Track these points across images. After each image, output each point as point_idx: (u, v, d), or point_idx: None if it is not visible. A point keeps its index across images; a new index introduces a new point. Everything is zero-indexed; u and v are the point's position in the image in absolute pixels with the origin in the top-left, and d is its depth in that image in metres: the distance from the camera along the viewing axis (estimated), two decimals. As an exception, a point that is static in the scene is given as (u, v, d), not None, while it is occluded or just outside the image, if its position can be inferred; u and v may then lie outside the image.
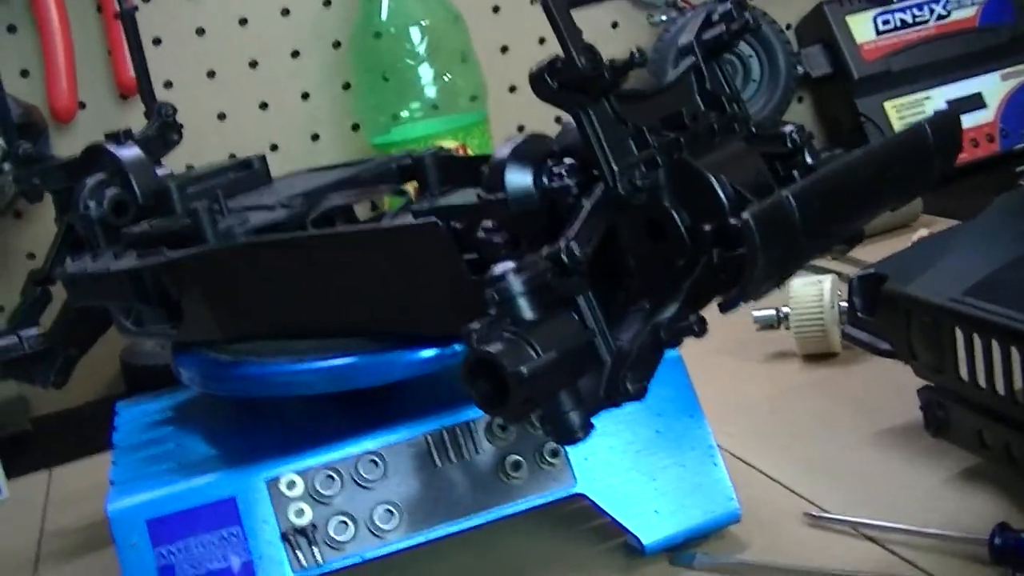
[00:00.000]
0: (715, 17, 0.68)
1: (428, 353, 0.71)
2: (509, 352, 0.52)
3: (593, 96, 0.58)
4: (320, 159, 1.52)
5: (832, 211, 0.58)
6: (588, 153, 0.59)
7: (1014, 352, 0.70)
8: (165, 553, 0.72)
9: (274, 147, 1.53)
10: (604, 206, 0.58)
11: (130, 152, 0.96)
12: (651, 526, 0.77)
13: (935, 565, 0.71)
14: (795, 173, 0.66)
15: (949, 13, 1.72)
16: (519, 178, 0.63)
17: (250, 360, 0.76)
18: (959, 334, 0.75)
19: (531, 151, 0.63)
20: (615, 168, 0.58)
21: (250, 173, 0.98)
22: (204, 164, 1.09)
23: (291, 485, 0.73)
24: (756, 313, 1.11)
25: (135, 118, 1.43)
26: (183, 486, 0.74)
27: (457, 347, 0.70)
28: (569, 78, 0.57)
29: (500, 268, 0.54)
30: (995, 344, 0.72)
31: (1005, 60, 1.72)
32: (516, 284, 0.54)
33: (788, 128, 0.68)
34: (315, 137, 1.57)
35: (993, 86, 1.71)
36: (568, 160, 0.62)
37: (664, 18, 1.60)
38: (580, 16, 1.50)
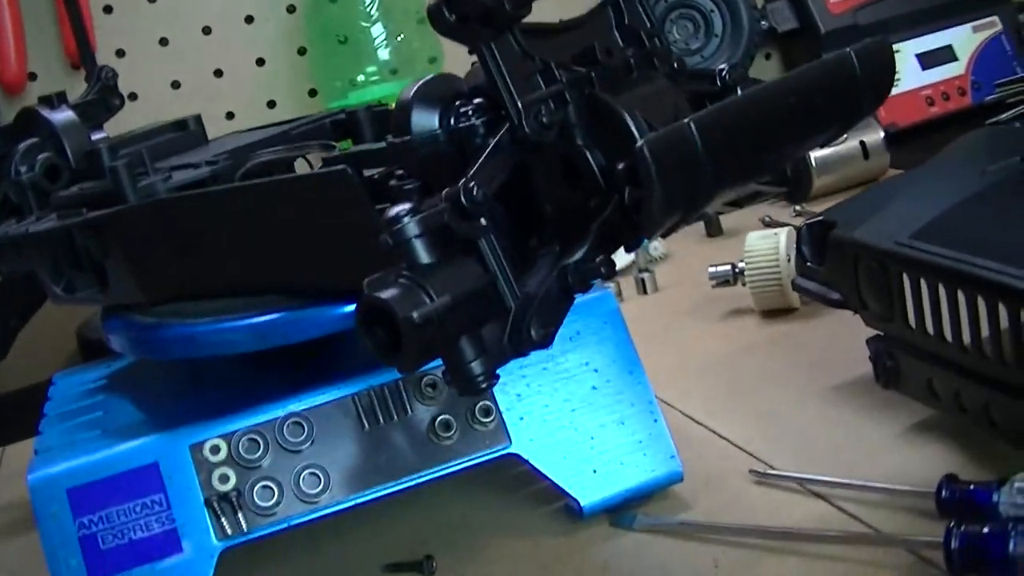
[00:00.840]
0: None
1: (350, 308, 0.68)
2: (401, 297, 0.49)
3: (495, 29, 0.55)
4: (278, 126, 1.51)
5: (742, 141, 0.55)
6: (493, 90, 0.56)
7: (961, 296, 0.67)
8: (87, 523, 0.70)
9: (230, 115, 1.51)
10: (509, 145, 0.55)
11: (63, 116, 0.94)
12: (589, 487, 0.75)
13: (881, 519, 0.69)
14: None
15: (918, -36, 1.70)
16: (425, 119, 0.60)
17: (172, 321, 0.73)
18: (906, 279, 0.72)
19: (438, 91, 0.61)
20: (520, 105, 0.55)
21: (185, 134, 0.96)
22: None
23: (215, 450, 0.71)
24: (711, 269, 1.09)
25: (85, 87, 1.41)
26: (104, 453, 0.72)
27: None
28: (469, 10, 0.54)
29: (395, 210, 0.51)
30: (942, 288, 0.69)
31: (976, 12, 1.72)
32: (411, 227, 0.51)
33: (722, 67, 0.65)
34: (271, 104, 1.55)
35: (964, 39, 1.69)
36: (477, 100, 0.59)
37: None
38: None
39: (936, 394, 0.74)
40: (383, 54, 1.41)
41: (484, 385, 0.52)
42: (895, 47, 1.65)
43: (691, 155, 0.51)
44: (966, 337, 0.68)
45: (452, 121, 0.59)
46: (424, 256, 0.51)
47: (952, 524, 0.61)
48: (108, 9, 1.43)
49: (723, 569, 0.68)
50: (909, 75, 1.67)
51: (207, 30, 1.50)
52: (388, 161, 0.63)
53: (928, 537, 0.63)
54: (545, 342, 0.53)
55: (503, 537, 0.77)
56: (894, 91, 1.57)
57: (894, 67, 0.64)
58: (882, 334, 0.79)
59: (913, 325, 0.73)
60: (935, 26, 1.69)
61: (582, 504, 0.74)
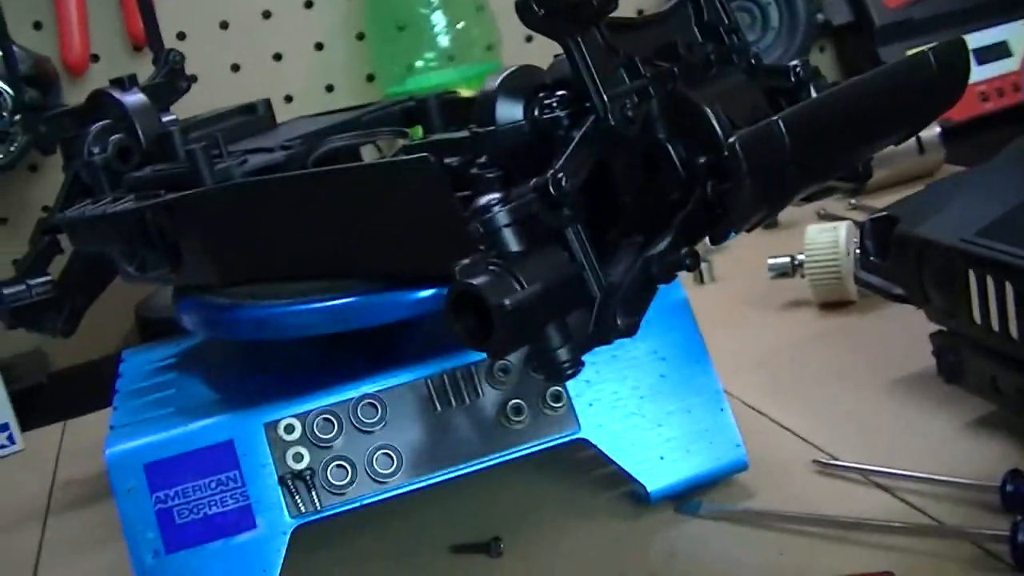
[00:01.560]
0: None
1: (426, 293, 0.69)
2: (493, 285, 0.50)
3: (582, 24, 0.56)
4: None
5: (827, 139, 0.56)
6: (579, 84, 0.57)
7: (1027, 292, 0.68)
8: (163, 497, 0.72)
9: (288, 98, 1.53)
10: (594, 137, 0.56)
11: (134, 98, 0.96)
12: (656, 473, 0.76)
13: (945, 512, 0.70)
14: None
15: (975, -42, 1.70)
16: (509, 110, 0.61)
17: (248, 303, 0.74)
18: (972, 275, 0.73)
19: (522, 83, 0.62)
20: (606, 98, 0.56)
21: (255, 118, 0.97)
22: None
23: (289, 429, 0.73)
24: (771, 261, 1.10)
25: (148, 70, 1.42)
26: (181, 430, 0.73)
27: (454, 287, 0.69)
28: (557, 5, 0.55)
29: (485, 199, 0.53)
30: (1008, 286, 0.70)
31: (1031, 8, 1.70)
32: (501, 216, 0.52)
33: (795, 63, 0.66)
34: (330, 88, 1.56)
35: (1019, 34, 1.69)
36: (560, 92, 0.60)
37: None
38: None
39: (999, 390, 0.75)
40: (442, 41, 1.42)
41: (571, 371, 0.53)
42: (951, 42, 1.66)
43: (779, 152, 0.52)
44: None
45: (536, 112, 0.60)
46: (513, 245, 0.52)
47: (1020, 518, 0.62)
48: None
49: (787, 557, 0.69)
50: (964, 70, 1.66)
51: (267, 14, 1.52)
52: (471, 150, 0.64)
53: (994, 530, 0.64)
54: (630, 331, 0.55)
55: (569, 521, 0.79)
56: (948, 86, 1.58)
57: (969, 67, 0.65)
58: (945, 330, 0.80)
59: (978, 322, 0.73)
60: (990, 21, 1.68)
61: (649, 490, 0.76)
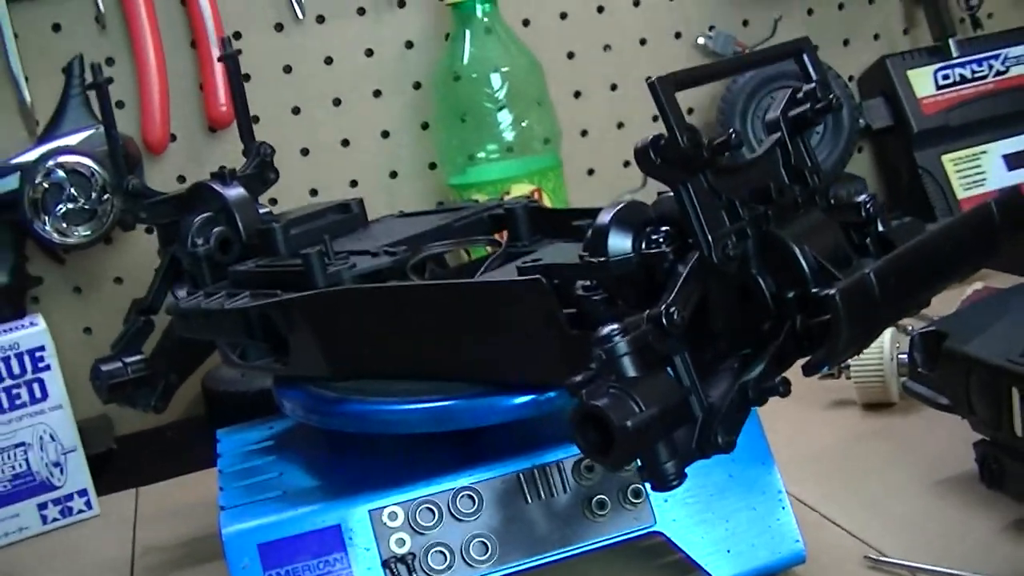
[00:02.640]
0: (800, 95, 0.73)
1: (523, 400, 0.77)
2: (616, 407, 0.57)
3: (691, 171, 0.64)
4: (398, 196, 1.59)
5: (907, 285, 0.63)
6: (684, 223, 0.64)
7: (1068, 412, 0.76)
8: (275, 575, 0.78)
9: (354, 183, 1.59)
10: (699, 273, 0.64)
11: (235, 192, 1.03)
12: (723, 564, 0.83)
13: (989, 609, 0.77)
14: (868, 241, 0.72)
15: (1008, 69, 1.78)
16: (620, 242, 0.68)
17: (355, 398, 0.82)
18: (1015, 393, 0.80)
19: (631, 218, 0.69)
20: (710, 238, 0.63)
21: (349, 217, 1.04)
22: (300, 206, 1.15)
23: (393, 516, 0.79)
24: (819, 362, 1.17)
25: (222, 151, 1.51)
26: (291, 513, 0.80)
27: (551, 395, 0.76)
28: (671, 155, 0.62)
29: (607, 330, 0.60)
30: (1050, 404, 0.77)
31: (1061, 117, 1.78)
32: (622, 345, 0.59)
33: (862, 198, 0.73)
34: (393, 174, 1.63)
35: (1049, 142, 1.76)
36: (664, 228, 0.67)
37: (734, 65, 1.66)
38: (654, 65, 1.57)
39: (1039, 497, 0.82)
40: (507, 136, 1.48)
41: (676, 483, 0.60)
42: (984, 148, 1.73)
43: (871, 300, 0.59)
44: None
45: (643, 246, 0.68)
46: (631, 370, 0.59)
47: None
48: (247, 77, 1.51)
49: (847, 647, 0.76)
50: (995, 175, 1.73)
51: (337, 101, 1.59)
52: (580, 276, 0.71)
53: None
54: (728, 448, 0.62)
55: (643, 606, 0.85)
56: (980, 190, 1.67)
57: (1025, 209, 0.72)
58: (988, 439, 0.87)
59: (1020, 434, 0.81)
60: (1020, 129, 1.75)
61: (717, 581, 0.83)
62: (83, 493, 1.26)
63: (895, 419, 1.12)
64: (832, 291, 0.58)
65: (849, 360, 1.13)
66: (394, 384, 0.82)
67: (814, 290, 0.63)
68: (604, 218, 0.69)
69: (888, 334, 1.12)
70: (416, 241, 0.92)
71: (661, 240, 0.67)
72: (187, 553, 1.12)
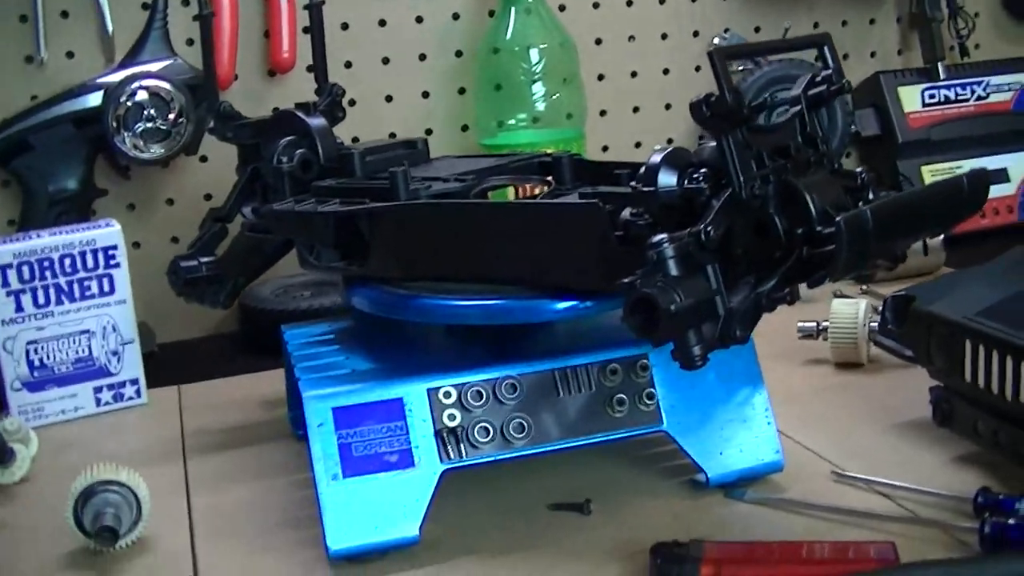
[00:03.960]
0: (819, 78, 0.89)
1: (565, 304, 0.92)
2: (662, 294, 0.73)
3: (733, 125, 0.80)
4: (432, 152, 1.73)
5: (893, 227, 0.80)
6: (721, 166, 0.81)
7: (1009, 361, 0.92)
8: (345, 435, 0.92)
9: (392, 135, 1.73)
10: (729, 206, 0.80)
11: (318, 121, 1.18)
12: (716, 464, 0.99)
13: (931, 514, 0.93)
14: (860, 204, 0.88)
15: (988, 95, 1.95)
16: (668, 178, 0.84)
17: (425, 294, 0.98)
18: (968, 345, 0.97)
19: (677, 159, 0.85)
20: (741, 179, 0.80)
21: (415, 152, 1.19)
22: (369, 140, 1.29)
23: (447, 395, 0.93)
24: (800, 324, 1.33)
25: (281, 94, 1.65)
26: (361, 385, 0.95)
27: (589, 303, 0.92)
28: (719, 110, 0.79)
29: (658, 237, 0.76)
30: (995, 354, 0.94)
31: (1031, 142, 1.94)
32: (669, 249, 0.76)
33: (859, 169, 0.90)
34: (429, 131, 1.77)
35: (1018, 164, 1.93)
36: (703, 169, 0.84)
37: (742, 67, 1.81)
38: (672, 59, 1.72)
39: (979, 432, 0.99)
40: (539, 106, 1.63)
41: (700, 363, 0.76)
42: (960, 163, 1.89)
43: (866, 231, 0.76)
44: (1008, 391, 0.93)
45: (686, 182, 0.84)
46: (674, 270, 0.75)
47: (987, 515, 0.86)
48: (306, 30, 1.65)
49: (810, 533, 0.92)
50: (968, 189, 1.89)
51: (386, 60, 1.72)
52: (633, 203, 0.87)
53: (963, 523, 0.88)
54: (744, 340, 0.78)
55: (646, 495, 1.01)
56: (954, 200, 1.81)
57: (987, 190, 0.89)
58: (942, 385, 1.04)
59: (968, 379, 0.97)
60: (995, 150, 1.91)
61: (709, 476, 0.98)
62: (135, 382, 1.39)
63: (863, 376, 1.28)
64: (839, 218, 0.74)
65: (827, 324, 1.30)
66: (458, 286, 0.97)
67: (818, 228, 0.80)
68: (656, 158, 0.85)
69: (863, 303, 1.29)
70: (479, 175, 1.08)
71: (700, 179, 0.83)
72: (233, 438, 1.24)
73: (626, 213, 0.87)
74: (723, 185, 0.81)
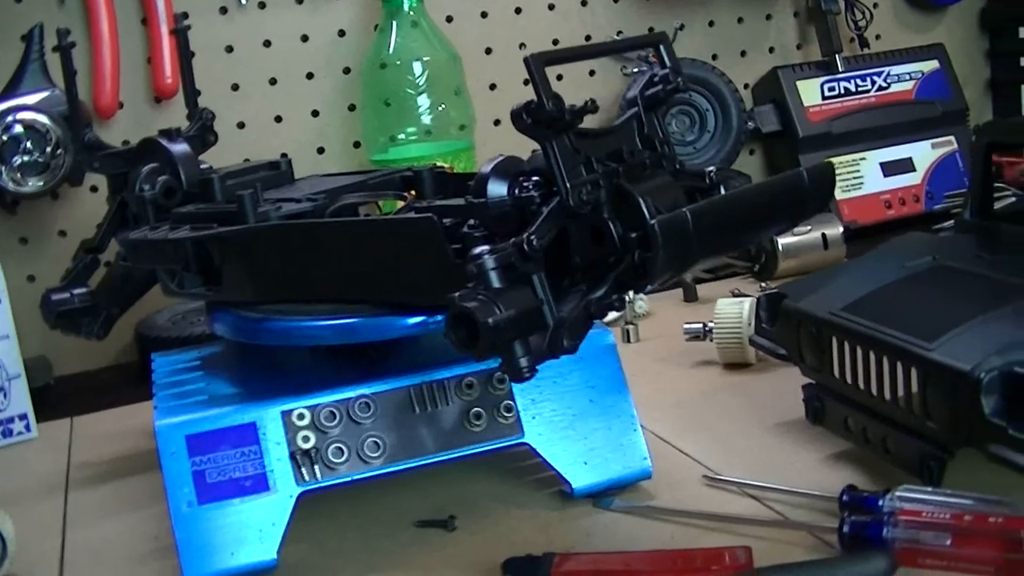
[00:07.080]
0: (656, 79, 0.88)
1: (415, 320, 0.91)
2: (482, 308, 0.71)
3: (556, 131, 0.78)
4: (324, 170, 1.71)
5: (721, 227, 0.78)
6: (549, 173, 0.79)
7: (872, 356, 0.91)
8: (198, 461, 0.91)
9: (283, 155, 1.69)
10: (558, 213, 0.78)
11: (180, 147, 1.17)
12: (580, 474, 0.97)
13: (798, 515, 0.92)
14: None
15: (889, 85, 1.95)
16: (498, 188, 0.83)
17: (275, 316, 0.96)
18: (834, 341, 0.95)
19: (508, 168, 0.84)
20: (568, 186, 0.78)
21: (278, 173, 1.18)
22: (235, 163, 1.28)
23: (301, 416, 0.92)
24: (686, 325, 1.32)
25: (166, 120, 1.62)
26: (216, 411, 0.93)
27: (438, 317, 0.90)
28: (540, 117, 0.77)
29: (479, 249, 0.74)
30: (859, 349, 0.92)
31: (936, 131, 1.95)
32: (489, 261, 0.74)
33: (710, 169, 0.88)
34: (320, 150, 1.76)
35: (923, 153, 1.93)
36: (535, 178, 0.82)
37: (636, 69, 1.80)
38: (569, 74, 1.71)
39: (850, 429, 0.97)
40: (425, 119, 1.61)
41: (528, 375, 0.74)
42: (863, 155, 1.89)
43: (685, 233, 0.74)
44: (874, 387, 0.91)
45: (516, 191, 0.82)
46: (496, 282, 0.74)
47: (845, 515, 0.84)
48: (192, 54, 1.63)
49: (676, 540, 0.90)
50: (872, 180, 1.89)
51: (273, 81, 1.71)
52: (465, 215, 0.85)
53: (827, 523, 0.87)
54: (573, 350, 0.76)
55: (510, 507, 0.99)
56: (858, 193, 1.83)
57: (834, 184, 0.88)
58: (814, 382, 1.02)
59: (837, 376, 0.96)
60: (899, 140, 1.92)
61: (573, 487, 0.97)
62: (23, 417, 1.37)
63: (749, 377, 1.27)
64: (652, 220, 0.73)
65: (712, 325, 1.29)
66: (309, 307, 0.95)
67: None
68: (485, 168, 0.84)
69: (747, 303, 1.28)
70: (334, 193, 1.06)
71: (531, 187, 0.82)
72: (118, 468, 1.23)
73: (466, 226, 0.85)
74: (554, 193, 0.79)
